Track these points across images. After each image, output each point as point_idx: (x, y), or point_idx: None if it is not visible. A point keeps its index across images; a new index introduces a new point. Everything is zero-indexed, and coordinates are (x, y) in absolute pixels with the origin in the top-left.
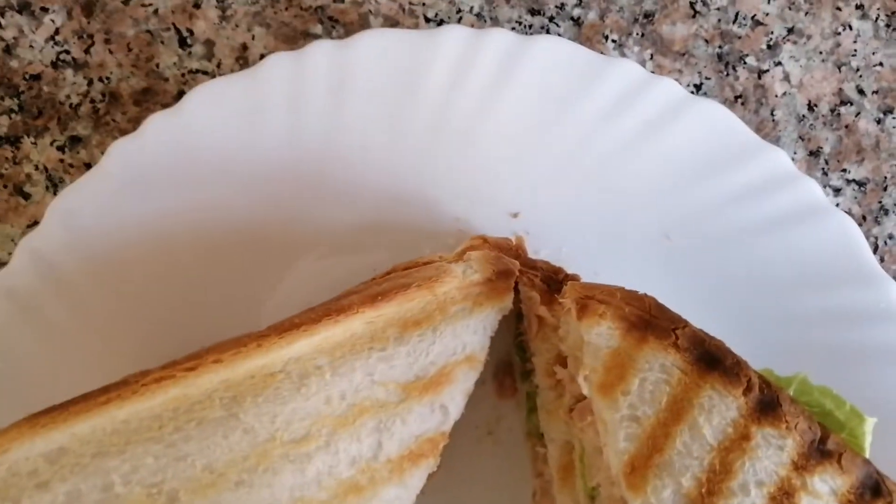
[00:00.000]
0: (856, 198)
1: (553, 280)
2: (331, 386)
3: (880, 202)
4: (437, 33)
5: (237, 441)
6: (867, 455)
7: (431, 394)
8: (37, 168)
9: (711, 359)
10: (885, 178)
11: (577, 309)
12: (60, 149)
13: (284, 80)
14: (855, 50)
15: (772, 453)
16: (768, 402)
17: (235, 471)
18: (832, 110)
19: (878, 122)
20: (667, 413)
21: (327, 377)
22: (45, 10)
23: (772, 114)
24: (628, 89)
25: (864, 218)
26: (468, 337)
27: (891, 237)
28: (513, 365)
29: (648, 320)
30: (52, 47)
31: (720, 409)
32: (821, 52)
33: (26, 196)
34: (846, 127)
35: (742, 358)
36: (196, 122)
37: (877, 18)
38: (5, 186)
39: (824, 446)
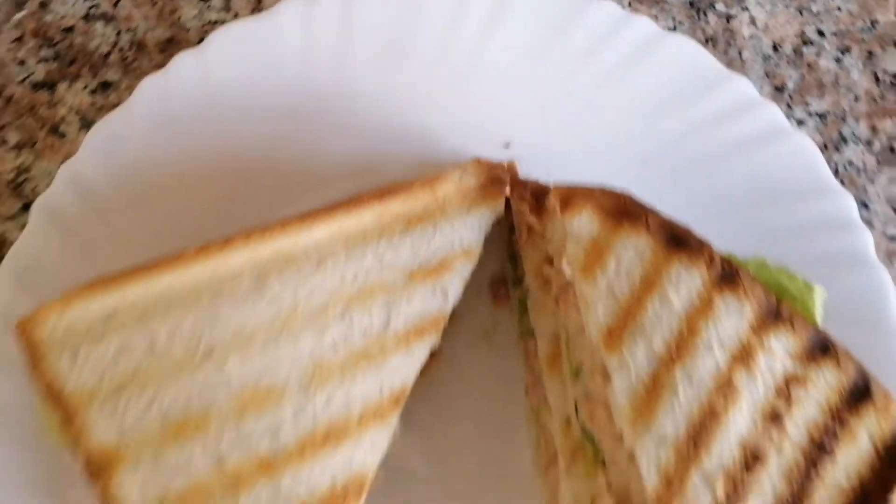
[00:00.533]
0: (817, 128)
1: (541, 195)
2: (345, 268)
3: (840, 132)
4: None
5: (264, 309)
6: (819, 323)
7: (433, 279)
8: (70, 110)
9: (678, 239)
10: (844, 110)
11: (561, 204)
12: (92, 92)
13: (296, 22)
14: None
15: (732, 317)
16: (729, 274)
17: (262, 334)
18: (795, 50)
19: (837, 60)
20: (639, 287)
21: (342, 260)
22: None
23: (740, 54)
24: (609, 26)
25: (825, 146)
26: (465, 233)
27: (850, 163)
28: (506, 276)
29: (623, 209)
30: (84, 2)
31: (686, 281)
32: None
33: (62, 135)
34: (808, 65)
35: (706, 239)
36: (217, 59)
37: None
38: (42, 127)
39: (779, 312)
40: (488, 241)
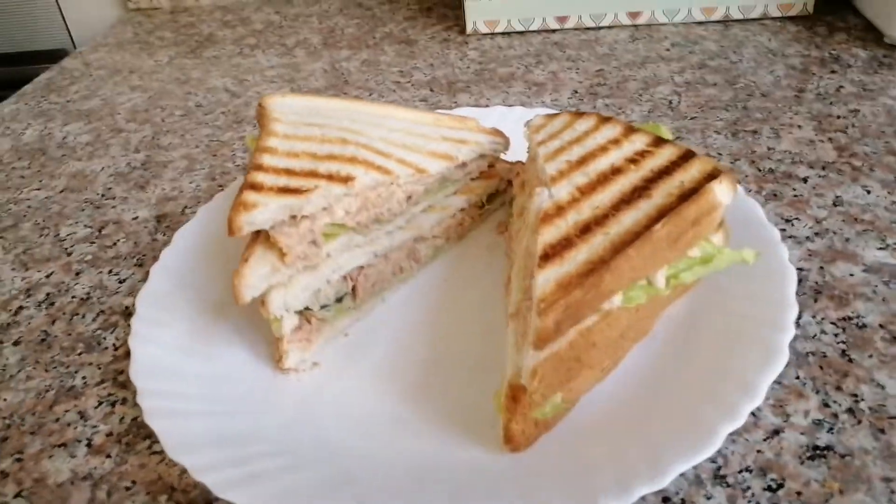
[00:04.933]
0: None
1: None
2: (407, 126)
3: None
4: None
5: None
6: None
7: (455, 143)
8: None
9: (608, 119)
10: None
11: (532, 127)
12: None
13: None
14: None
15: (627, 145)
16: (631, 128)
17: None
18: None
19: None
20: (575, 140)
21: (407, 123)
22: None
23: None
24: None
25: None
26: (482, 139)
27: None
28: (507, 216)
29: (580, 113)
30: None
31: (607, 132)
32: None
33: None
34: None
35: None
36: None
37: None
38: None
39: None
40: (498, 195)
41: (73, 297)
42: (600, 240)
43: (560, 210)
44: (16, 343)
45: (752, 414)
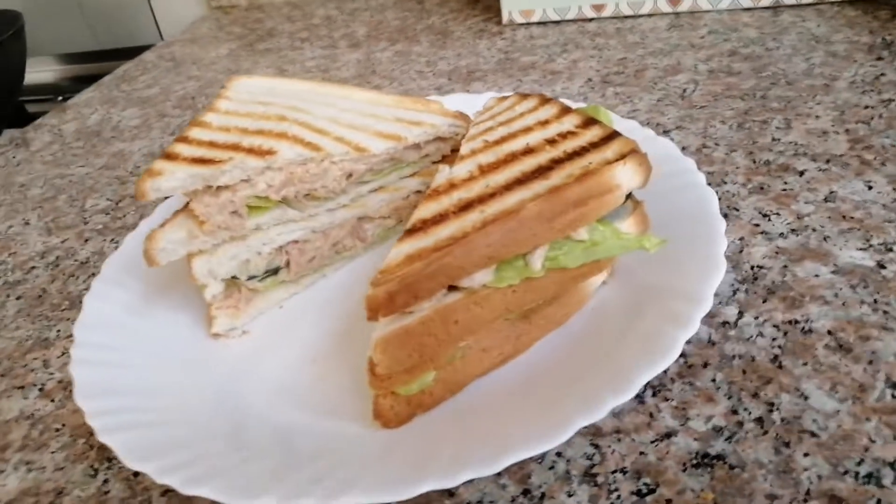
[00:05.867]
0: None
1: None
2: (363, 106)
3: None
4: None
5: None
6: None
7: (408, 125)
8: None
9: (548, 99)
10: None
11: (483, 108)
12: None
13: None
14: None
15: (561, 124)
16: (567, 108)
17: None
18: None
19: None
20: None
21: (363, 104)
22: None
23: None
24: None
25: None
26: (437, 122)
27: None
28: None
29: (527, 95)
30: None
31: (545, 112)
32: None
33: None
34: None
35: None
36: None
37: None
38: None
39: (586, 120)
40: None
41: (75, 260)
42: (474, 217)
43: (451, 187)
44: (18, 297)
45: (650, 414)
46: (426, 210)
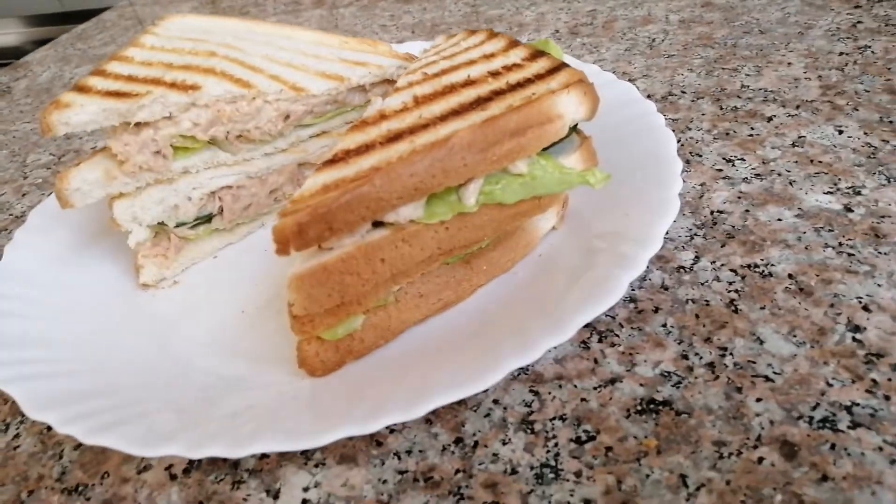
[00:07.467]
0: None
1: None
2: (306, 46)
3: None
4: None
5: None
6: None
7: (351, 66)
8: None
9: (495, 34)
10: None
11: (432, 46)
12: None
13: None
14: None
15: (508, 56)
16: (515, 42)
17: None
18: None
19: None
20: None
21: (308, 43)
22: None
23: None
24: None
25: None
26: (383, 63)
27: None
28: None
29: (474, 31)
30: None
31: (494, 44)
32: None
33: None
34: None
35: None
36: None
37: None
38: None
39: (534, 53)
40: None
41: (10, 214)
42: (403, 147)
43: (381, 118)
44: None
45: (595, 360)
46: (350, 140)
